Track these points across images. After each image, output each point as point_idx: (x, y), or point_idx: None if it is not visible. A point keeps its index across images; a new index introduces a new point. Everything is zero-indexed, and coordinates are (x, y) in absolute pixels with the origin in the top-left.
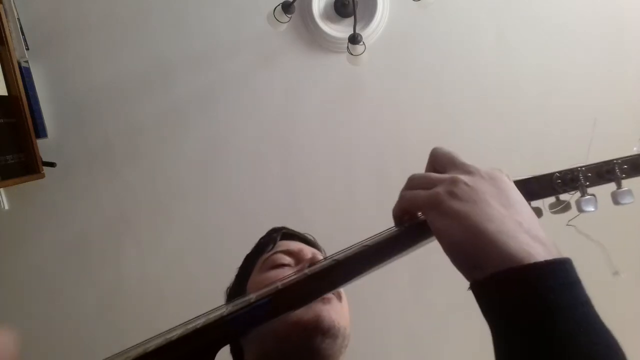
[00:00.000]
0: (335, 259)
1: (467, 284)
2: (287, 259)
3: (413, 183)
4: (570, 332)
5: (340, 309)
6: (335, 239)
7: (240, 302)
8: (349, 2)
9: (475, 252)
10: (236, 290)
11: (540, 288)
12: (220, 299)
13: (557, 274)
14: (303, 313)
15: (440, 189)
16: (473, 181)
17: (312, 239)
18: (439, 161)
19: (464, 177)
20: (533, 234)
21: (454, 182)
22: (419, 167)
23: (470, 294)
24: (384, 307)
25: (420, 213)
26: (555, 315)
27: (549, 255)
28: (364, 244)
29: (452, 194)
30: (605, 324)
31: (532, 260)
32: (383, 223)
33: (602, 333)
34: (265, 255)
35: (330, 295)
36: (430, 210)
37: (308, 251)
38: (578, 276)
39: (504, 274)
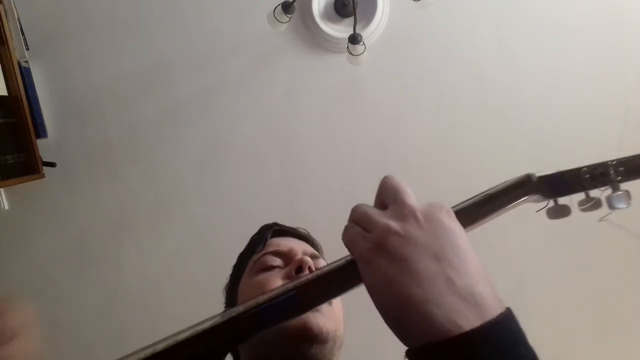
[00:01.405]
0: (326, 270)
1: None
2: (277, 261)
3: (354, 218)
4: None
5: (329, 313)
6: (335, 239)
7: (247, 306)
8: (349, 2)
9: (402, 320)
10: (230, 290)
11: None
12: (220, 299)
13: (487, 342)
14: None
15: (371, 241)
16: (406, 230)
17: (305, 233)
18: (384, 193)
19: (397, 226)
20: (466, 292)
21: (386, 233)
22: (419, 166)
23: None
24: None
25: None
26: None
27: (480, 318)
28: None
29: (382, 249)
30: None
31: (458, 332)
32: None
33: None
34: (256, 257)
35: None
36: (361, 265)
37: (298, 250)
38: (517, 332)
39: (430, 348)
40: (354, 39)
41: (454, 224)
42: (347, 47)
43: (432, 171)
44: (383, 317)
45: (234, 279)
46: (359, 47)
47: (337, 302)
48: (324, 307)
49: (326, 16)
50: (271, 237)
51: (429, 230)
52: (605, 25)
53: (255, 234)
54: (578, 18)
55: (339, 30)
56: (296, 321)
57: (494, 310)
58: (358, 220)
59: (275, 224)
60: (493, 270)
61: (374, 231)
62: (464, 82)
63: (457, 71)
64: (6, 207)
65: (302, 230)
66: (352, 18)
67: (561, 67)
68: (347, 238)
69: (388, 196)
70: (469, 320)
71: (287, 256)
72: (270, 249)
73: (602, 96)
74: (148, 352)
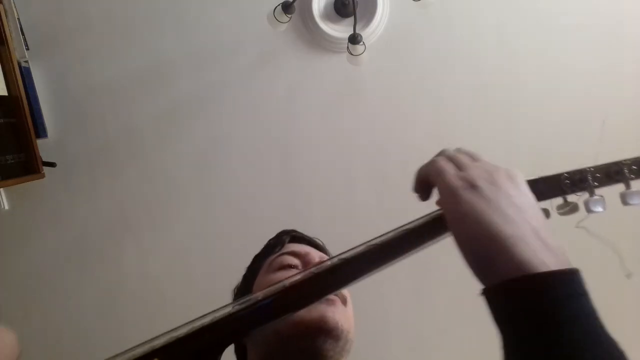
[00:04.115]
0: (342, 258)
1: (469, 288)
2: (295, 261)
3: (446, 154)
4: (575, 344)
5: (344, 312)
6: (336, 239)
7: (246, 301)
8: (349, 2)
9: (488, 254)
10: (243, 290)
11: (549, 298)
12: (221, 299)
13: (566, 285)
14: (306, 313)
15: (465, 176)
16: (495, 180)
17: (321, 244)
18: (457, 162)
19: (487, 173)
20: (546, 241)
21: (479, 176)
22: (419, 166)
23: (473, 298)
24: (385, 310)
25: (436, 203)
26: (561, 326)
27: (560, 264)
28: (371, 243)
29: (474, 186)
30: (611, 335)
31: (544, 269)
32: (383, 222)
33: (608, 345)
34: (272, 257)
35: (334, 297)
36: (449, 198)
37: (315, 255)
38: (586, 288)
39: (515, 282)
40: (354, 39)
41: (528, 189)
42: (347, 47)
43: None
44: (465, 252)
45: (247, 280)
46: (359, 47)
47: (350, 307)
48: (340, 305)
49: (326, 16)
50: (288, 242)
51: (513, 185)
52: (605, 25)
53: (273, 237)
54: (579, 15)
55: (339, 30)
56: (312, 313)
57: (567, 263)
58: (450, 157)
59: (293, 230)
60: None
61: (466, 170)
62: (464, 82)
63: (456, 71)
64: (6, 207)
65: (319, 241)
66: (352, 18)
67: (562, 66)
68: (435, 168)
69: (463, 160)
70: (552, 263)
71: (304, 258)
72: (288, 250)
73: (604, 94)
74: (146, 348)
